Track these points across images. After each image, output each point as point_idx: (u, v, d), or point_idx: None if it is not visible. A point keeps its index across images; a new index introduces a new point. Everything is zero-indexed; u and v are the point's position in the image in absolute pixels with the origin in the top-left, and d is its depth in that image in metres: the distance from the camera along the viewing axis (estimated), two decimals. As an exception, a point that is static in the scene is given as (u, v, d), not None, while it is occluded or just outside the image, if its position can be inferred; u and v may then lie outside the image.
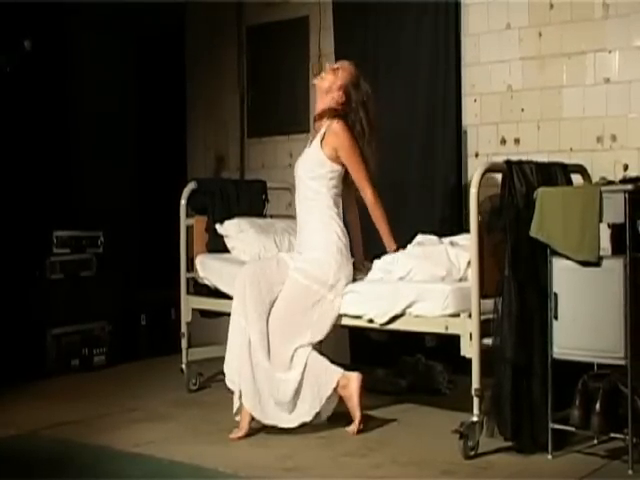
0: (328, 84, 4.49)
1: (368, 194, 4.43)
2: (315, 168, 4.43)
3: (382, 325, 4.19)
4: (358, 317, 4.29)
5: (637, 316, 3.48)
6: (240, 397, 4.21)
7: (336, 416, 4.26)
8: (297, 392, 4.17)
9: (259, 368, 4.18)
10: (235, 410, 4.26)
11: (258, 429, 4.25)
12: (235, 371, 4.25)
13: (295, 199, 4.59)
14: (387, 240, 4.45)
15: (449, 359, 4.66)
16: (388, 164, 5.27)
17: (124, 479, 3.70)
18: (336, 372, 4.21)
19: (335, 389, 4.19)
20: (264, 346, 4.20)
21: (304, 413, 4.18)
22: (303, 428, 4.20)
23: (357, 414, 4.18)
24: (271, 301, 4.29)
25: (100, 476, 3.69)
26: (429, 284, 4.08)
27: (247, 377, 4.18)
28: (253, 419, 4.21)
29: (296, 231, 4.62)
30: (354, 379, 4.19)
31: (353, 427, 4.19)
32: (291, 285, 4.33)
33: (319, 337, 4.30)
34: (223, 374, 4.34)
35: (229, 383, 4.30)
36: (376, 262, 4.38)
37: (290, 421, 4.18)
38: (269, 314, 4.26)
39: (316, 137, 4.50)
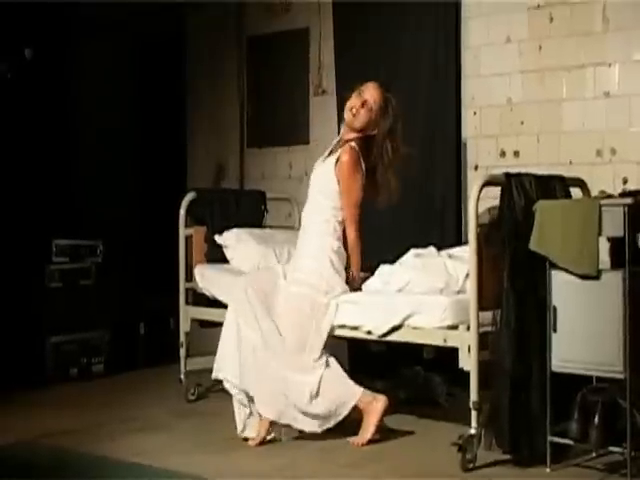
0: (362, 122, 4.43)
1: (352, 233, 4.43)
2: (327, 185, 4.44)
3: (380, 337, 4.19)
4: (356, 328, 4.29)
5: (636, 330, 3.49)
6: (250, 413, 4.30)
7: (336, 426, 4.25)
8: (312, 400, 4.17)
9: (271, 369, 4.23)
10: (240, 428, 4.30)
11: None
12: (232, 374, 4.30)
13: (303, 209, 4.61)
14: (355, 269, 4.47)
15: (448, 371, 4.65)
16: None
17: (122, 488, 3.71)
18: (356, 393, 4.21)
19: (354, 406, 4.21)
20: (269, 346, 4.25)
21: (316, 425, 4.20)
22: (302, 438, 4.23)
23: (368, 434, 4.17)
24: (267, 307, 4.33)
25: (98, 485, 3.71)
26: (427, 296, 4.08)
27: (267, 388, 4.22)
28: (270, 428, 4.24)
29: (296, 242, 4.63)
30: (381, 401, 4.20)
31: (359, 440, 4.18)
32: (287, 299, 4.36)
33: (322, 342, 4.30)
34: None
35: (228, 385, 4.37)
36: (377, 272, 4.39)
37: (311, 425, 4.21)
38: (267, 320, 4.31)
39: (334, 153, 4.48)
